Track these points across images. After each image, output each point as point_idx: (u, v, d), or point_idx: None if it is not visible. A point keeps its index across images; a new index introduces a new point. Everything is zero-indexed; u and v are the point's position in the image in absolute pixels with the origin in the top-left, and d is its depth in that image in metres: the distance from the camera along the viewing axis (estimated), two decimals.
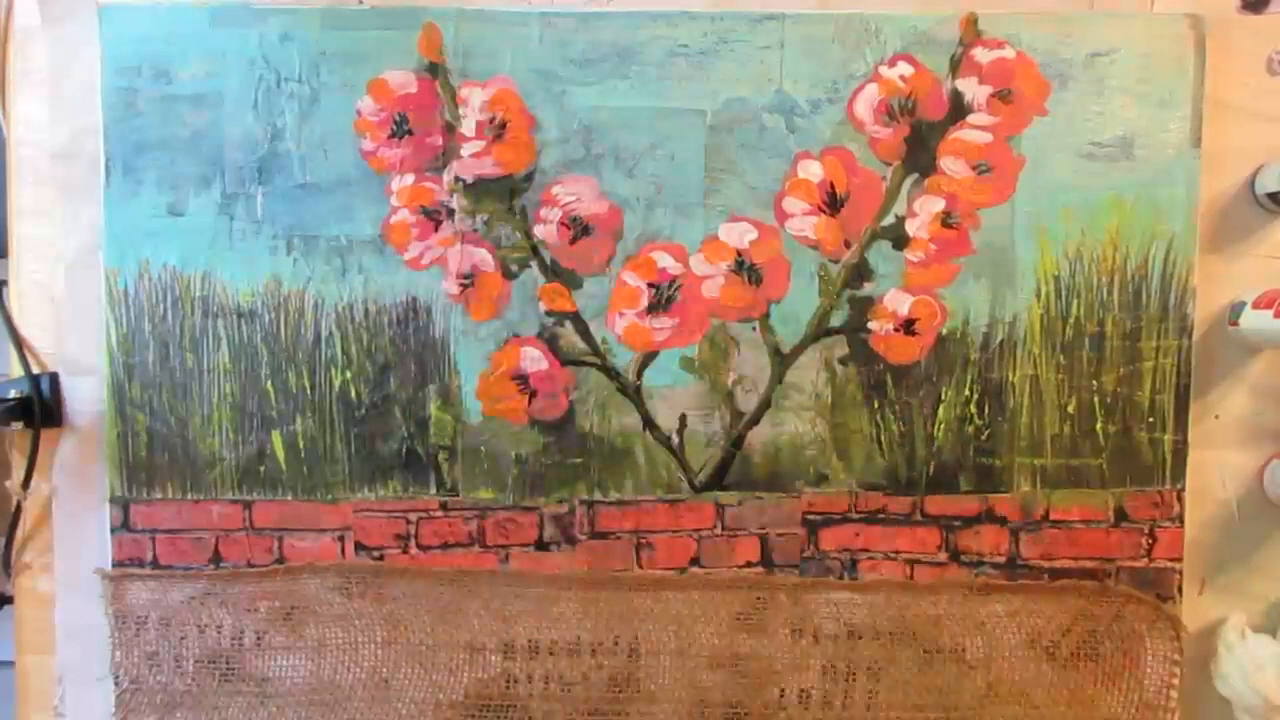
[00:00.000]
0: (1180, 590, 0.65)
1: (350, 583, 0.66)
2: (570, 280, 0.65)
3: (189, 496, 0.66)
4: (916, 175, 0.64)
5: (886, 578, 0.66)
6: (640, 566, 0.66)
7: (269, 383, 0.65)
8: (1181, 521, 0.65)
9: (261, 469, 0.66)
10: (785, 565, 0.66)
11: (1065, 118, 0.64)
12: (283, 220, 0.65)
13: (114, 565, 0.66)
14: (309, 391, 0.65)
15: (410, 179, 0.65)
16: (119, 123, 0.64)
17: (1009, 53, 0.64)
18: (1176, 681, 0.65)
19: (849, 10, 0.64)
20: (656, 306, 0.65)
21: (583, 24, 0.64)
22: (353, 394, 0.65)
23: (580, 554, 0.66)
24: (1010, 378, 0.65)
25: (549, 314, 0.65)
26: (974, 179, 0.64)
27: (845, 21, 0.64)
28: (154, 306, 0.65)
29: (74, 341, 0.66)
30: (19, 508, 0.66)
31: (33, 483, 0.66)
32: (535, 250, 0.65)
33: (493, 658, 0.66)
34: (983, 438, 0.65)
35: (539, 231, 0.65)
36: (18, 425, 0.64)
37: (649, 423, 0.65)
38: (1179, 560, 0.65)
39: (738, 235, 0.65)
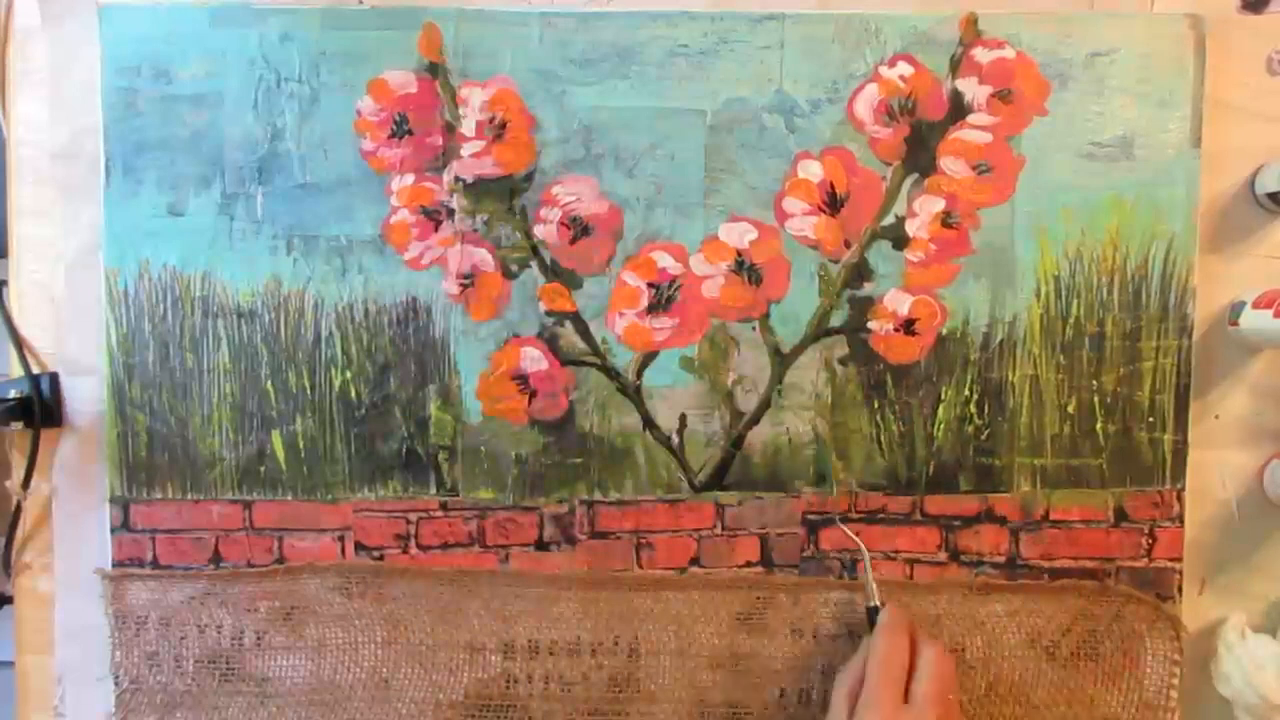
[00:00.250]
0: (1180, 590, 0.65)
1: (350, 583, 0.66)
2: (570, 280, 0.65)
3: (189, 496, 0.66)
4: (916, 175, 0.64)
5: (886, 577, 0.66)
6: (640, 566, 0.66)
7: (269, 383, 0.65)
8: (1181, 521, 0.65)
9: (261, 469, 0.66)
10: (785, 565, 0.66)
11: (1065, 118, 0.64)
12: (283, 220, 0.65)
13: (114, 565, 0.66)
14: (309, 391, 0.65)
15: (410, 179, 0.65)
16: (119, 123, 0.64)
17: (1009, 53, 0.64)
18: (1176, 681, 0.65)
19: (849, 10, 0.64)
20: (656, 306, 0.65)
21: (583, 24, 0.64)
22: (353, 394, 0.65)
23: (580, 554, 0.66)
24: (1010, 378, 0.65)
25: (549, 314, 0.65)
26: (974, 179, 0.64)
27: (845, 21, 0.64)
28: (154, 306, 0.65)
29: (74, 341, 0.66)
30: (19, 508, 0.66)
31: (33, 483, 0.66)
32: (535, 250, 0.65)
33: (493, 658, 0.66)
34: (983, 438, 0.65)
35: (539, 231, 0.65)
36: (18, 425, 0.64)
37: (649, 423, 0.65)
38: (1179, 560, 0.65)
39: (738, 235, 0.65)
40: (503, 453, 0.66)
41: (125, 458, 0.65)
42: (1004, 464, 0.65)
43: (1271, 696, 0.61)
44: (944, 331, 0.65)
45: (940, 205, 0.64)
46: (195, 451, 0.66)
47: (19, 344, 0.66)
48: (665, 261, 0.65)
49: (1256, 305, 0.62)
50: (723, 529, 0.66)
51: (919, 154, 0.64)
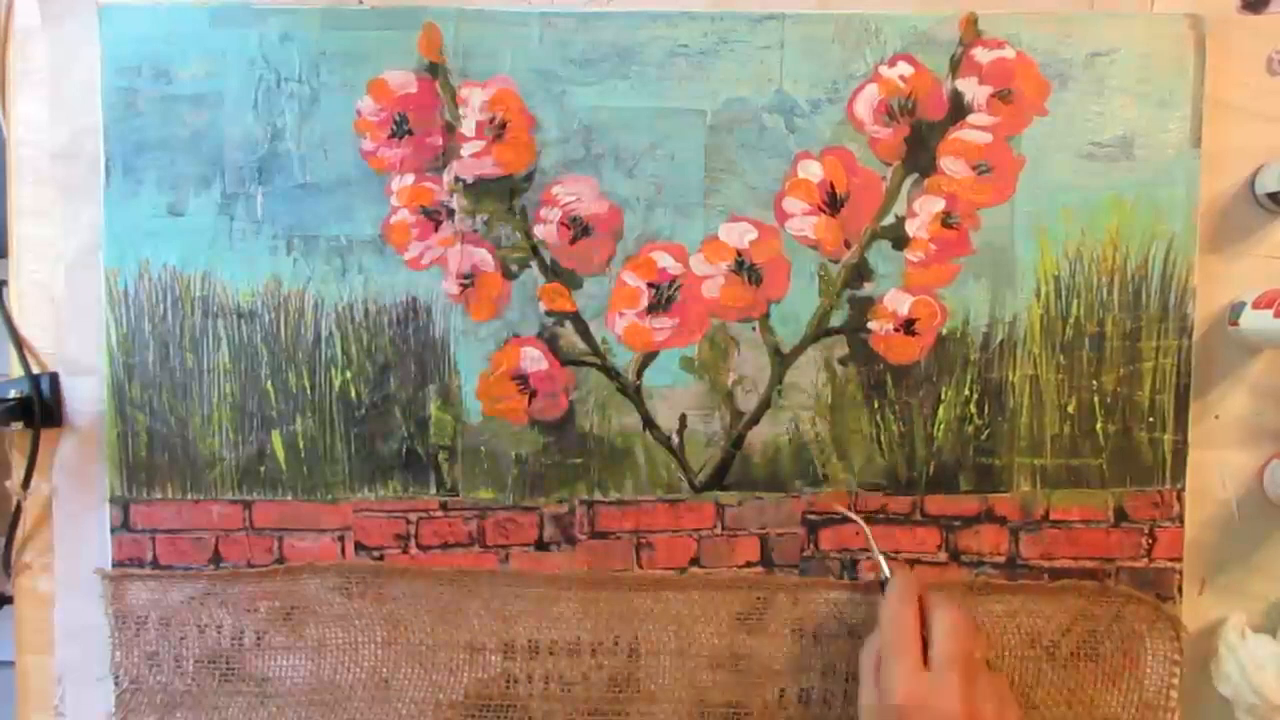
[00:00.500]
0: (1180, 590, 0.65)
1: (350, 583, 0.66)
2: (570, 280, 0.65)
3: (189, 496, 0.66)
4: (916, 175, 0.64)
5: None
6: (640, 566, 0.66)
7: (269, 383, 0.65)
8: (1181, 521, 0.65)
9: (261, 469, 0.66)
10: (785, 565, 0.66)
11: (1065, 118, 0.64)
12: (283, 220, 0.65)
13: (114, 565, 0.66)
14: (309, 391, 0.65)
15: (410, 179, 0.65)
16: (119, 123, 0.64)
17: (1009, 53, 0.64)
18: (1176, 681, 0.65)
19: (849, 10, 0.64)
20: (656, 306, 0.65)
21: (583, 24, 0.64)
22: (353, 394, 0.65)
23: (580, 554, 0.66)
24: (1010, 378, 0.65)
25: (549, 314, 0.65)
26: (974, 179, 0.64)
27: (845, 21, 0.64)
28: (154, 306, 0.65)
29: (74, 341, 0.66)
30: (19, 508, 0.66)
31: (33, 483, 0.66)
32: (535, 250, 0.65)
33: (493, 658, 0.66)
34: (983, 438, 0.65)
35: (539, 231, 0.65)
36: (18, 425, 0.64)
37: (649, 423, 0.65)
38: (1179, 560, 0.65)
39: (738, 235, 0.65)
40: (503, 453, 0.66)
41: (125, 458, 0.65)
42: (1004, 464, 0.65)
43: (1271, 696, 0.61)
44: (944, 331, 0.65)
45: (940, 205, 0.64)
46: (195, 451, 0.66)
47: (19, 344, 0.66)
48: (665, 261, 0.65)
49: (1256, 305, 0.62)
50: (723, 529, 0.66)
51: (919, 154, 0.64)
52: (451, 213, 0.65)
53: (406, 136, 0.64)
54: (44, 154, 0.66)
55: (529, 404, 0.65)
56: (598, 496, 0.66)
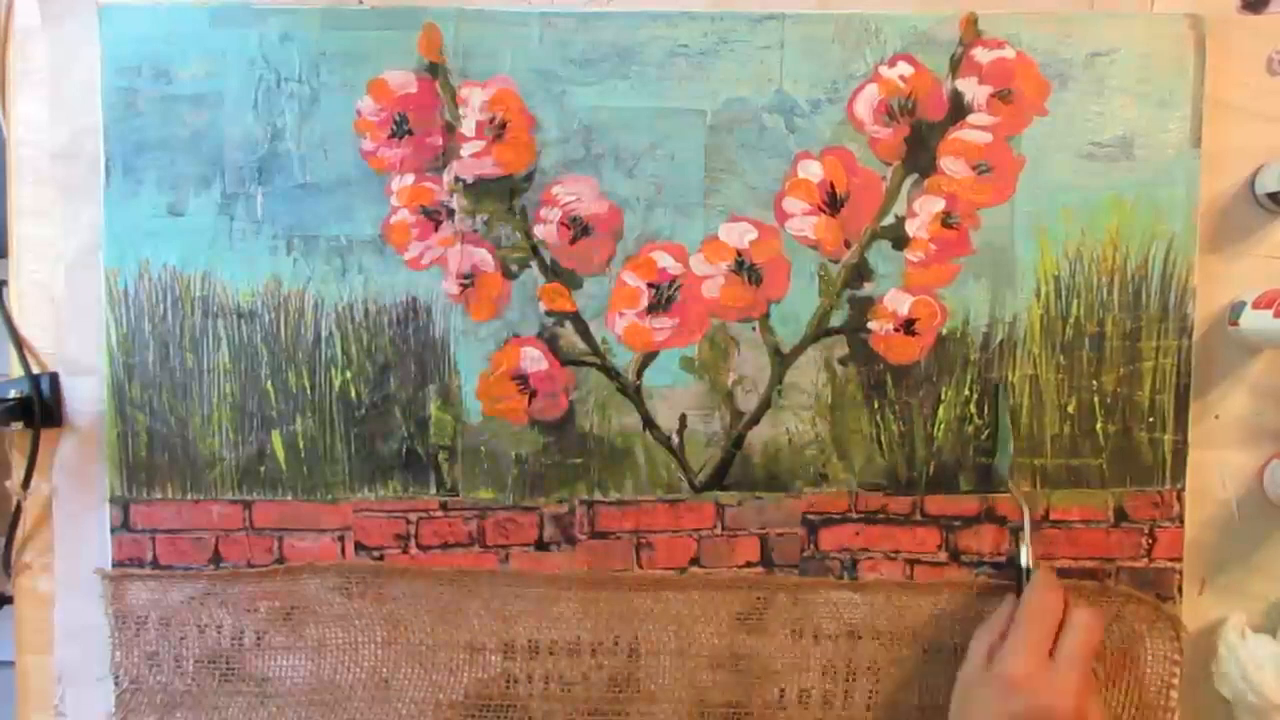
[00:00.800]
0: (1180, 590, 0.65)
1: (350, 583, 0.66)
2: (570, 280, 0.65)
3: (189, 496, 0.66)
4: (916, 175, 0.64)
5: (886, 578, 0.66)
6: (640, 566, 0.66)
7: (269, 383, 0.65)
8: (1181, 521, 0.65)
9: (261, 469, 0.66)
10: (785, 565, 0.66)
11: (1065, 118, 0.64)
12: (283, 220, 0.65)
13: (114, 565, 0.66)
14: (309, 391, 0.65)
15: (410, 179, 0.65)
16: (119, 123, 0.64)
17: (1009, 53, 0.64)
18: (1176, 681, 0.65)
19: (849, 10, 0.64)
20: (656, 306, 0.65)
21: (583, 24, 0.64)
22: (353, 394, 0.65)
23: (580, 554, 0.66)
24: (1010, 378, 0.65)
25: (549, 314, 0.65)
26: (974, 179, 0.64)
27: (845, 21, 0.64)
28: (154, 306, 0.65)
29: (74, 341, 0.66)
30: (19, 508, 0.66)
31: (33, 483, 0.66)
32: (535, 250, 0.65)
33: (493, 658, 0.66)
34: (983, 438, 0.65)
35: (539, 231, 0.65)
36: (18, 425, 0.64)
37: (649, 423, 0.65)
38: (1179, 560, 0.65)
39: (738, 235, 0.65)
40: (503, 453, 0.66)
41: (125, 458, 0.65)
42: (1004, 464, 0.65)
43: (1272, 696, 0.61)
44: (944, 331, 0.65)
45: (940, 205, 0.64)
46: (195, 451, 0.66)
47: (19, 344, 0.66)
48: (665, 261, 0.65)
49: (1256, 305, 0.62)
50: (723, 529, 0.66)
51: (919, 154, 0.64)
52: (451, 213, 0.65)
53: (406, 136, 0.64)
54: (44, 154, 0.66)
55: (529, 404, 0.65)
56: (598, 496, 0.66)
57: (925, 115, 0.64)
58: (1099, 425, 0.65)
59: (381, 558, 0.66)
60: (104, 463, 0.66)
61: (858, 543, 0.66)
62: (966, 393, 0.65)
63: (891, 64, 0.64)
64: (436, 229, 0.65)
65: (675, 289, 0.65)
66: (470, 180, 0.65)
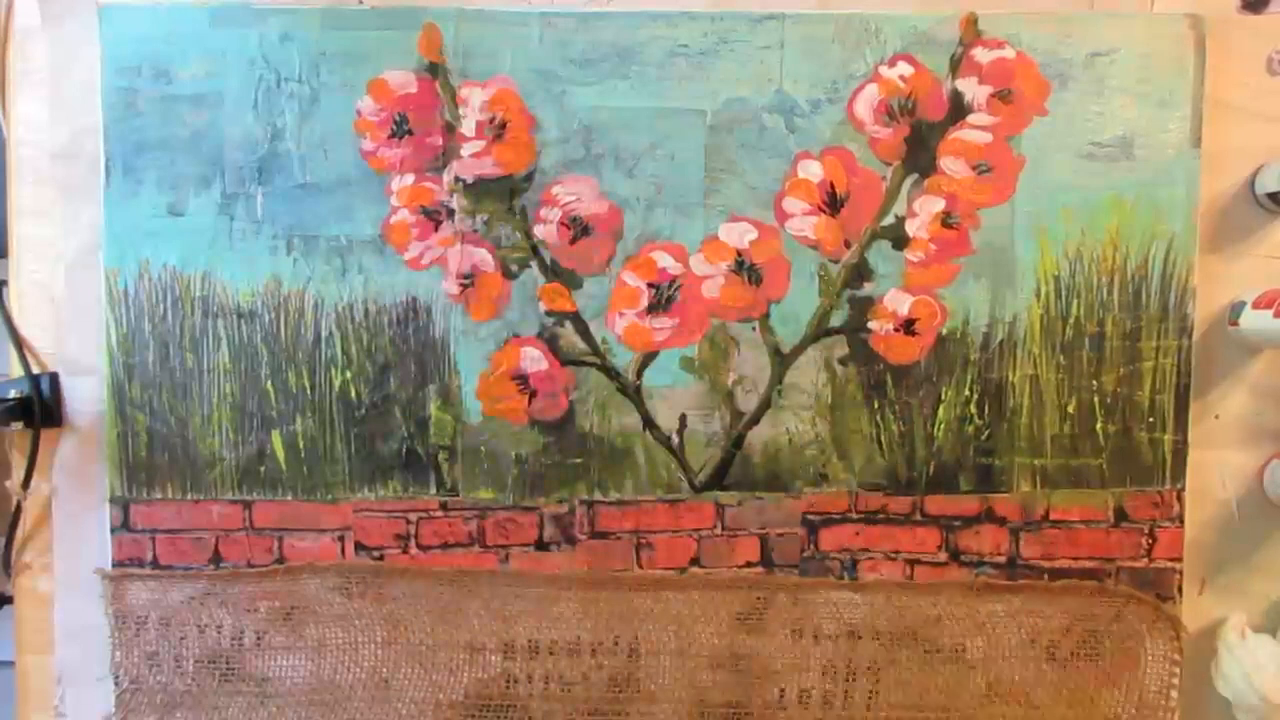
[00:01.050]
0: (1180, 590, 0.65)
1: (350, 583, 0.66)
2: (570, 280, 0.65)
3: (189, 496, 0.66)
4: (916, 175, 0.64)
5: (886, 578, 0.66)
6: (640, 566, 0.66)
7: (269, 383, 0.65)
8: (1181, 521, 0.65)
9: (261, 469, 0.66)
10: (785, 565, 0.66)
11: (1065, 118, 0.64)
12: (283, 220, 0.65)
13: (114, 565, 0.66)
14: (309, 391, 0.65)
15: (410, 179, 0.65)
16: (119, 123, 0.64)
17: (1009, 53, 0.64)
18: (1176, 681, 0.65)
19: (849, 10, 0.64)
20: (656, 306, 0.65)
21: (583, 24, 0.64)
22: (353, 394, 0.65)
23: (580, 554, 0.66)
24: (1010, 378, 0.65)
25: (549, 314, 0.65)
26: (974, 179, 0.64)
27: (845, 21, 0.64)
28: (154, 306, 0.65)
29: (74, 341, 0.66)
30: (19, 508, 0.66)
31: (33, 483, 0.66)
32: (535, 250, 0.65)
33: (493, 658, 0.66)
34: (983, 438, 0.65)
35: (539, 231, 0.65)
36: (18, 425, 0.64)
37: (649, 423, 0.65)
38: (1179, 560, 0.65)
39: (738, 235, 0.65)
40: (503, 453, 0.66)
41: (125, 458, 0.65)
42: (1004, 464, 0.65)
43: (1272, 696, 0.61)
44: (944, 331, 0.65)
45: (940, 205, 0.64)
46: (195, 451, 0.66)
47: (19, 344, 0.66)
48: (665, 261, 0.65)
49: (1256, 305, 0.62)
50: (723, 529, 0.66)
51: (919, 154, 0.64)
52: (451, 213, 0.65)
53: (406, 136, 0.64)
54: (44, 154, 0.66)
55: (529, 404, 0.65)
56: (598, 496, 0.66)
57: (925, 115, 0.64)
58: (1099, 425, 0.65)
59: (381, 558, 0.66)
60: (104, 463, 0.66)
61: (858, 543, 0.66)
62: (966, 393, 0.65)
63: (891, 64, 0.64)
64: (436, 229, 0.65)
65: (675, 289, 0.65)
66: (470, 180, 0.65)
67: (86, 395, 0.66)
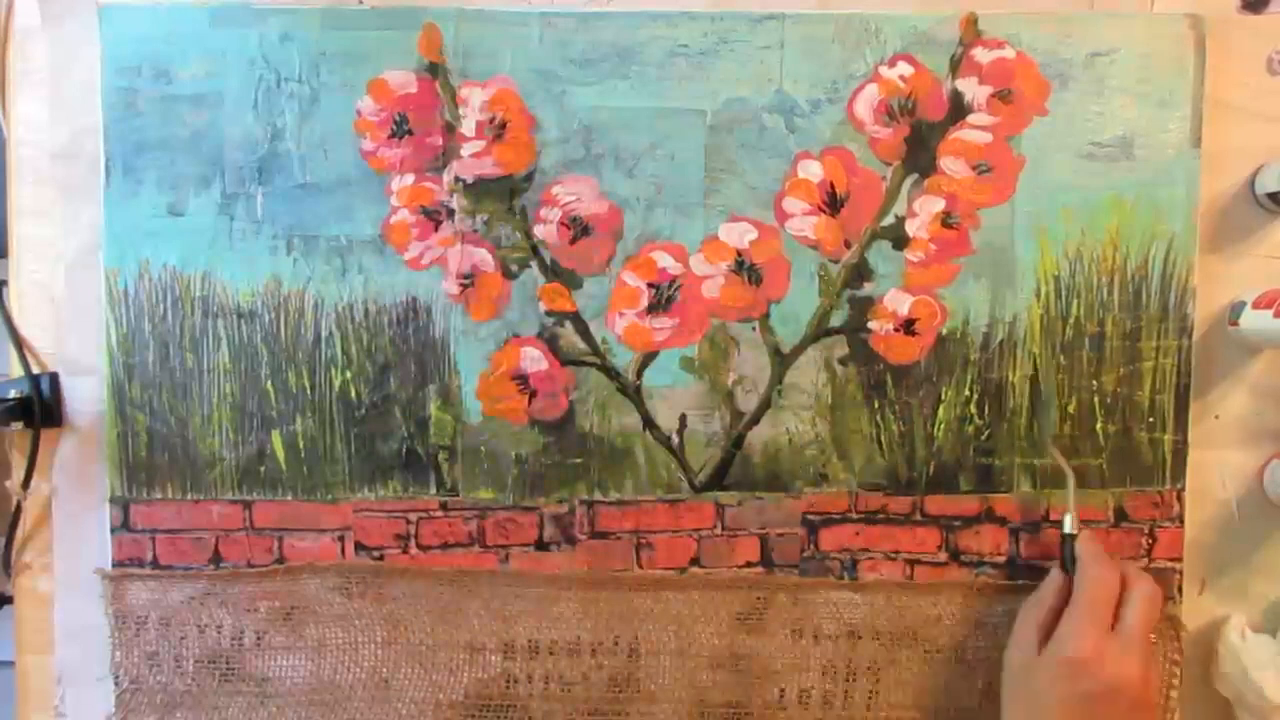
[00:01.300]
0: (1180, 590, 0.65)
1: (350, 583, 0.66)
2: (570, 280, 0.65)
3: (189, 496, 0.66)
4: (916, 175, 0.64)
5: (886, 578, 0.66)
6: (640, 566, 0.66)
7: (269, 383, 0.65)
8: (1181, 521, 0.65)
9: (261, 469, 0.66)
10: (785, 565, 0.66)
11: (1065, 118, 0.64)
12: (283, 220, 0.65)
13: (114, 565, 0.66)
14: (309, 391, 0.65)
15: (410, 179, 0.65)
16: (119, 123, 0.64)
17: (1009, 53, 0.64)
18: (1176, 682, 0.65)
19: (849, 10, 0.64)
20: (656, 306, 0.65)
21: (583, 24, 0.64)
22: (353, 394, 0.65)
23: (580, 554, 0.66)
24: (1010, 378, 0.65)
25: (549, 314, 0.65)
26: (974, 179, 0.64)
27: (845, 21, 0.64)
28: (154, 306, 0.65)
29: (74, 341, 0.66)
30: (19, 508, 0.66)
31: (33, 483, 0.66)
32: (535, 250, 0.65)
33: (493, 658, 0.66)
34: (983, 438, 0.65)
35: (539, 231, 0.65)
36: (18, 425, 0.64)
37: (649, 423, 0.65)
38: (1179, 560, 0.65)
39: (738, 235, 0.65)
40: (503, 453, 0.66)
41: (125, 458, 0.65)
42: (1004, 464, 0.65)
43: (1272, 696, 0.61)
44: (944, 331, 0.65)
45: (940, 205, 0.64)
46: (195, 451, 0.66)
47: (19, 344, 0.66)
48: (665, 261, 0.65)
49: (1256, 305, 0.62)
50: (723, 529, 0.66)
51: (919, 154, 0.64)
52: (451, 213, 0.65)
53: (406, 136, 0.64)
54: (44, 154, 0.66)
55: (529, 404, 0.65)
56: (598, 496, 0.66)
57: (925, 115, 0.64)
58: (1099, 425, 0.65)
59: (381, 558, 0.66)
60: (104, 463, 0.66)
61: (858, 543, 0.66)
62: (966, 393, 0.65)
63: (891, 64, 0.64)
64: (436, 229, 0.65)
65: (675, 289, 0.65)
66: (470, 180, 0.65)
67: (86, 395, 0.66)
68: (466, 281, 0.65)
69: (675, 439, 0.65)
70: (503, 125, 0.64)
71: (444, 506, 0.66)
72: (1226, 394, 0.66)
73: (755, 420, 0.65)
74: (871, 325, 0.65)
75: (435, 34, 0.64)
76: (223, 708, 0.66)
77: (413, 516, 0.66)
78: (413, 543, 0.66)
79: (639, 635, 0.66)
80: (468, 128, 0.64)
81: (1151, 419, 0.65)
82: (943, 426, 0.65)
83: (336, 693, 0.66)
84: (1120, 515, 0.65)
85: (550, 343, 0.65)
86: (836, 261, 0.65)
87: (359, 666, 0.66)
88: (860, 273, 0.65)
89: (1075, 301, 0.65)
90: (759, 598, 0.66)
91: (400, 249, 0.65)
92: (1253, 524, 0.66)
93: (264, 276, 0.65)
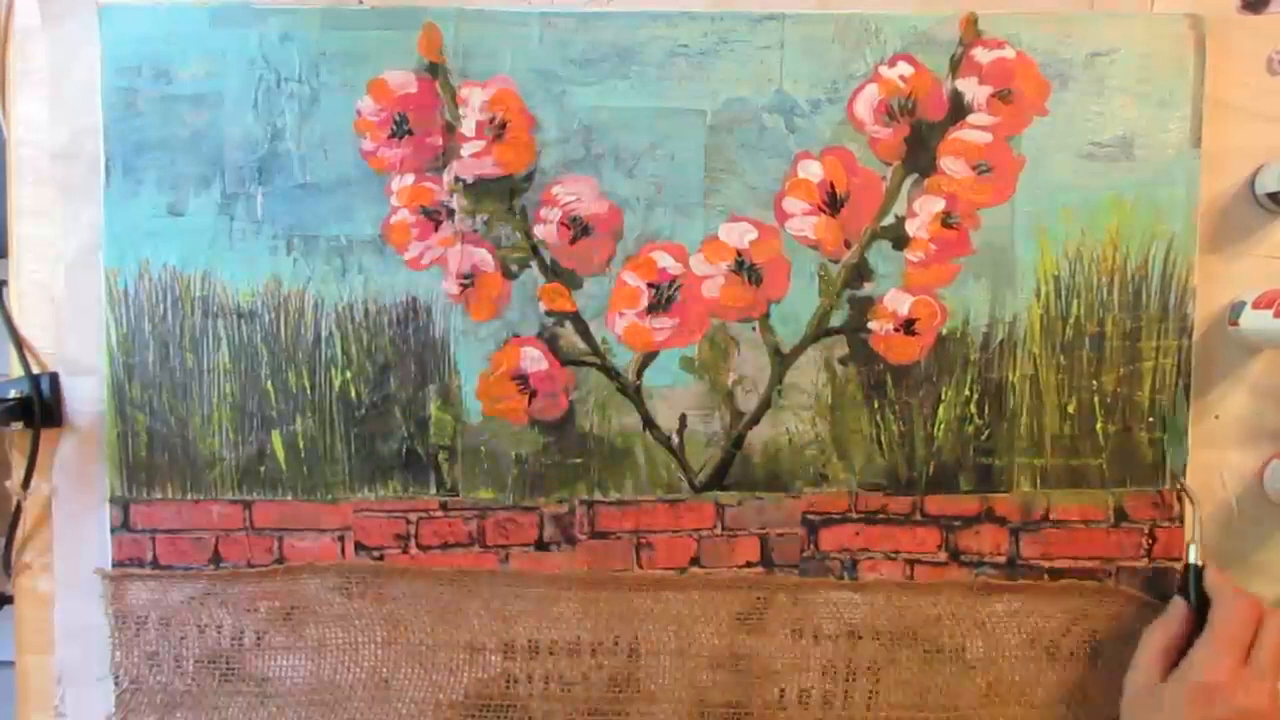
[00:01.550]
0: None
1: (350, 583, 0.66)
2: (570, 280, 0.65)
3: (189, 496, 0.66)
4: (916, 175, 0.64)
5: (886, 578, 0.66)
6: (640, 566, 0.66)
7: (269, 383, 0.65)
8: (1181, 521, 0.65)
9: (261, 469, 0.66)
10: (785, 565, 0.66)
11: (1065, 118, 0.64)
12: (283, 220, 0.65)
13: (114, 565, 0.66)
14: (309, 391, 0.65)
15: (410, 179, 0.65)
16: (119, 123, 0.64)
17: (1009, 53, 0.64)
18: None
19: (849, 10, 0.64)
20: (656, 306, 0.65)
21: (583, 24, 0.64)
22: (353, 394, 0.65)
23: (580, 554, 0.66)
24: (1010, 378, 0.65)
25: (549, 314, 0.65)
26: (974, 179, 0.64)
27: (845, 21, 0.64)
28: (154, 306, 0.65)
29: (74, 341, 0.66)
30: (19, 508, 0.66)
31: (33, 483, 0.66)
32: (535, 250, 0.65)
33: (493, 658, 0.66)
34: (983, 438, 0.65)
35: (539, 231, 0.65)
36: (18, 425, 0.64)
37: (649, 423, 0.65)
38: (1179, 560, 0.65)
39: (738, 235, 0.65)
40: (503, 453, 0.66)
41: (125, 458, 0.65)
42: (1004, 464, 0.65)
43: None
44: (944, 331, 0.65)
45: (940, 205, 0.64)
46: (195, 451, 0.66)
47: (19, 344, 0.66)
48: (665, 261, 0.65)
49: (1256, 305, 0.62)
50: (723, 529, 0.66)
51: (919, 154, 0.64)
52: (451, 213, 0.65)
53: (406, 136, 0.64)
54: (44, 154, 0.66)
55: (529, 404, 0.65)
56: (598, 496, 0.66)
57: (925, 115, 0.64)
58: (1099, 425, 0.65)
59: (381, 558, 0.66)
60: (104, 463, 0.66)
61: (858, 543, 0.66)
62: (966, 393, 0.65)
63: (891, 64, 0.64)
64: (436, 229, 0.65)
65: (675, 289, 0.65)
66: (470, 180, 0.65)
67: (86, 395, 0.66)
68: (466, 281, 0.65)
69: (675, 439, 0.65)
70: (503, 125, 0.64)
71: (444, 506, 0.66)
72: (1226, 394, 0.66)
73: (755, 420, 0.65)
74: (871, 325, 0.65)
75: (435, 34, 0.64)
76: (223, 708, 0.66)
77: (413, 516, 0.66)
78: (413, 543, 0.66)
79: (639, 635, 0.66)
80: (468, 128, 0.64)
81: (1151, 419, 0.65)
82: (943, 426, 0.65)
83: (336, 693, 0.66)
84: (1120, 515, 0.65)
85: (550, 343, 0.65)
86: (836, 261, 0.65)
87: (359, 666, 0.66)
88: (860, 273, 0.65)
89: (1075, 301, 0.65)
90: (759, 598, 0.66)
91: (400, 249, 0.65)
92: (1253, 524, 0.66)
93: (264, 276, 0.65)
